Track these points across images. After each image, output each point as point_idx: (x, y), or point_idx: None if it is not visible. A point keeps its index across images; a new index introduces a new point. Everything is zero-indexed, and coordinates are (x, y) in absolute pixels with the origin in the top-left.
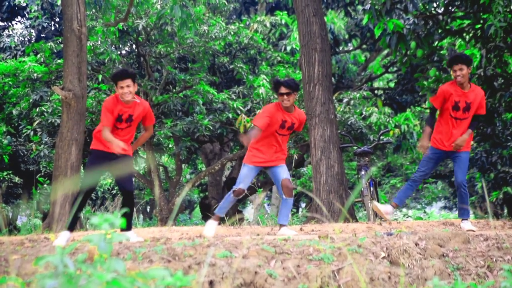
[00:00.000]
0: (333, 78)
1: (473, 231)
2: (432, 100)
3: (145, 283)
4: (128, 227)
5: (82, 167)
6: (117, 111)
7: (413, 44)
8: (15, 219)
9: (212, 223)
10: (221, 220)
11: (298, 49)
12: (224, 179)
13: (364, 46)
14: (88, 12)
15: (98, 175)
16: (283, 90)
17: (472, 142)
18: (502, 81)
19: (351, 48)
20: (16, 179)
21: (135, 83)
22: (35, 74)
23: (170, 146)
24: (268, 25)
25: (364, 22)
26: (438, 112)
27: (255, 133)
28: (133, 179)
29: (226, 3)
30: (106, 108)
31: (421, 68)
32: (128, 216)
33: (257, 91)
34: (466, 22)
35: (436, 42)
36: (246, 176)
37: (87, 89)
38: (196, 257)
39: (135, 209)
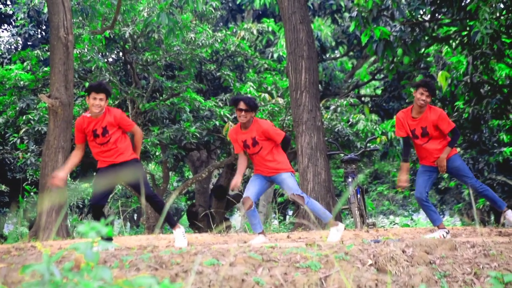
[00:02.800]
0: (320, 85)
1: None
2: (396, 133)
3: None
4: (173, 224)
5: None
6: (89, 127)
7: (399, 51)
8: (1, 228)
9: (258, 238)
10: (210, 228)
11: (285, 56)
12: (211, 186)
13: (351, 53)
14: (74, 20)
15: (102, 186)
16: (241, 105)
17: (459, 149)
18: (489, 88)
19: (338, 55)
20: (3, 187)
21: (107, 99)
22: (21, 82)
23: (157, 153)
24: (255, 32)
25: (351, 29)
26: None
27: (238, 161)
28: (147, 182)
29: (213, 11)
30: (75, 127)
31: (407, 75)
32: (167, 217)
33: None
34: (453, 29)
35: (423, 49)
36: (249, 184)
37: (73, 97)
38: (183, 265)
39: (122, 217)
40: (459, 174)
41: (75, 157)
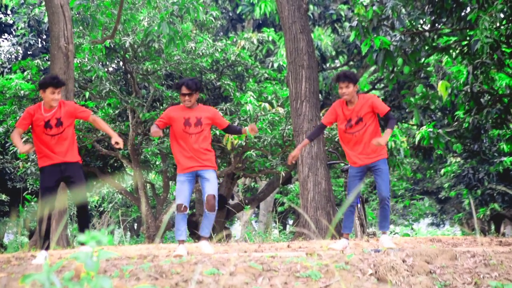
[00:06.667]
0: (320, 95)
1: (392, 248)
2: (323, 119)
3: None
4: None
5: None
6: (41, 118)
7: (400, 60)
8: (2, 237)
9: (180, 248)
10: (210, 238)
11: (285, 65)
12: None
13: (351, 62)
14: (75, 30)
15: (54, 192)
16: (184, 90)
17: (459, 159)
18: (489, 97)
19: (338, 65)
20: (3, 196)
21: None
22: (22, 92)
23: (157, 163)
24: (255, 42)
25: (351, 39)
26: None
27: (153, 128)
28: (86, 191)
29: (213, 20)
30: (25, 112)
31: (408, 85)
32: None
33: (244, 108)
34: (453, 39)
35: (423, 59)
36: (179, 190)
37: None
38: (183, 274)
39: (122, 226)
40: (380, 178)
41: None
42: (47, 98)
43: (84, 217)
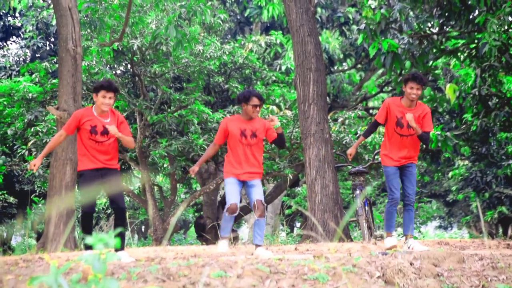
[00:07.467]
0: (328, 98)
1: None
2: (377, 116)
3: None
4: (121, 247)
5: (76, 187)
6: (89, 122)
7: (408, 63)
8: (9, 239)
9: (223, 243)
10: (217, 240)
11: (293, 68)
12: (219, 198)
13: (359, 65)
14: (83, 32)
15: (94, 194)
16: (256, 101)
17: (467, 162)
18: (497, 100)
19: (346, 68)
20: (11, 199)
21: (115, 98)
22: (30, 94)
23: (165, 165)
24: (263, 44)
25: (359, 41)
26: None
27: (208, 149)
28: (124, 196)
29: (221, 23)
30: (72, 116)
31: None
32: (121, 236)
33: None
34: (461, 41)
35: (431, 62)
36: (231, 190)
37: None
38: (190, 277)
39: (130, 229)
40: (409, 181)
41: (56, 143)
42: (98, 101)
43: (123, 222)
